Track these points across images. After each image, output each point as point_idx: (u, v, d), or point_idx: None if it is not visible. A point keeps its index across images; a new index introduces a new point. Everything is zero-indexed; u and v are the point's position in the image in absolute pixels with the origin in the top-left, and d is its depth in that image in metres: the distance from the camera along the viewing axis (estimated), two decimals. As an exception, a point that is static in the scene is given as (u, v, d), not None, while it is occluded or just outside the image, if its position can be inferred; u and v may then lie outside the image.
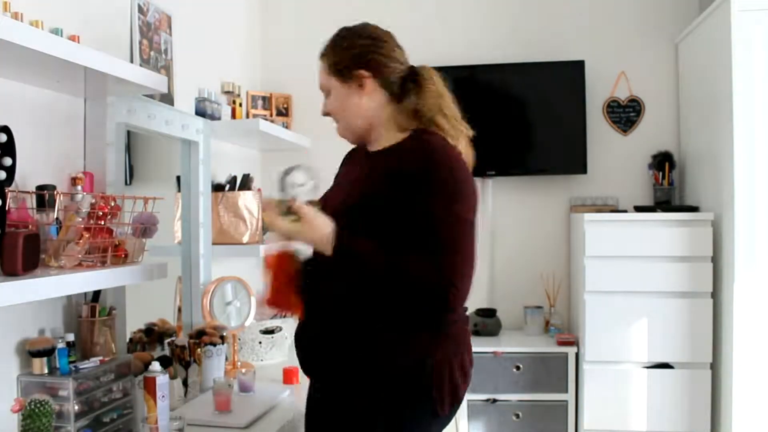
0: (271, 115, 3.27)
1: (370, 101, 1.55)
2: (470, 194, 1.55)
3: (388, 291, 1.41)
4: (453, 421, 3.31)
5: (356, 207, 1.49)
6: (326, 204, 1.52)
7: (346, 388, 1.47)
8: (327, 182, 1.68)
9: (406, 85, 1.57)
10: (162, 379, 1.63)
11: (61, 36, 1.47)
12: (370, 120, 1.56)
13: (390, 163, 1.50)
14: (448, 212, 1.46)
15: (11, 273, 1.23)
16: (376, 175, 1.50)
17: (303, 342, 1.55)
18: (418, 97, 1.56)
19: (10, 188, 1.30)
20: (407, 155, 1.48)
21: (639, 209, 3.10)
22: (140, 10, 2.11)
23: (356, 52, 1.55)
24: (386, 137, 1.58)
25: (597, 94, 3.36)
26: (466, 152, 1.65)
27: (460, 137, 1.64)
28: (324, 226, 1.42)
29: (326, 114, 1.63)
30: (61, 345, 1.54)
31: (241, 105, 2.79)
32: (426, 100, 1.56)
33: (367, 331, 1.44)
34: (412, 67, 1.60)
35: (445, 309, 1.46)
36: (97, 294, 1.73)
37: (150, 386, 1.62)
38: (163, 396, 1.63)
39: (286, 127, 3.21)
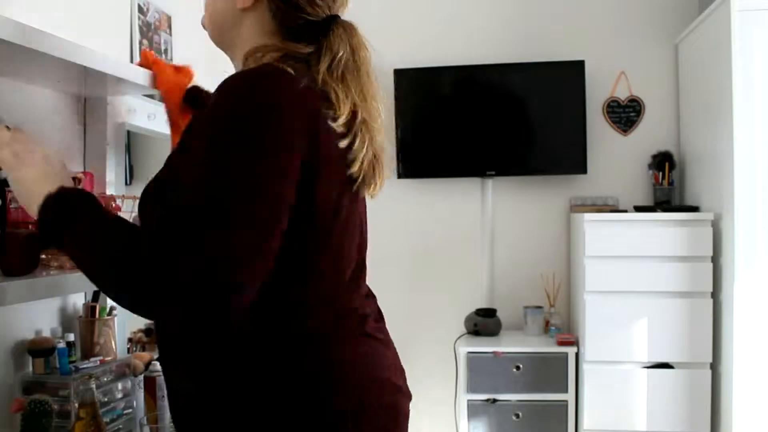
0: (271, 115, 3.27)
1: (248, 18, 1.12)
2: (269, 143, 0.92)
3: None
4: (453, 421, 3.31)
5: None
6: None
7: None
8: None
9: (309, 24, 1.11)
10: (162, 379, 1.63)
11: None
12: (226, 28, 1.15)
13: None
14: (208, 156, 0.92)
15: (11, 273, 1.23)
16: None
17: None
18: (324, 40, 1.10)
19: (10, 188, 1.29)
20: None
21: (639, 209, 3.10)
22: (140, 10, 2.11)
23: None
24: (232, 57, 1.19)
25: (597, 94, 3.36)
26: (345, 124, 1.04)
27: (342, 107, 1.04)
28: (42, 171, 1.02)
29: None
30: (61, 345, 1.54)
31: (241, 105, 2.78)
32: (332, 40, 1.10)
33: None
34: (335, 17, 1.15)
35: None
36: (97, 294, 1.73)
37: (150, 386, 1.62)
38: (163, 396, 1.63)
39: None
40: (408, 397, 1.15)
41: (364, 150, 1.06)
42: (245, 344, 0.98)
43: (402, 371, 1.16)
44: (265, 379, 0.98)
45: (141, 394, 1.68)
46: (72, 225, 0.95)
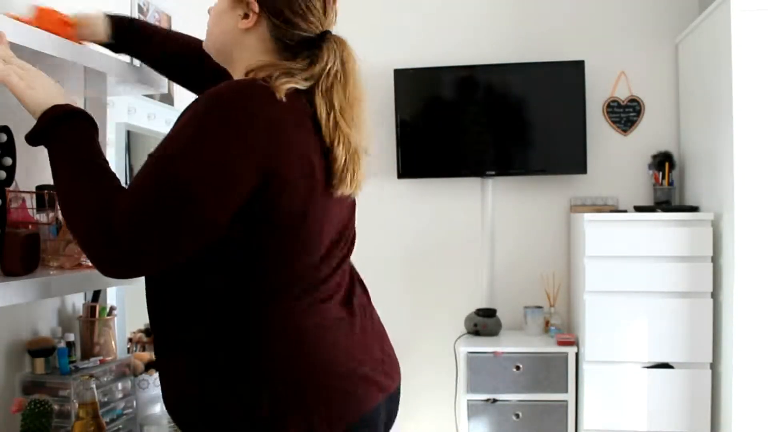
0: (271, 115, 3.27)
1: (248, 39, 1.21)
2: (217, 158, 1.03)
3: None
4: (453, 421, 3.32)
5: None
6: None
7: None
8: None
9: (305, 41, 1.21)
10: None
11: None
12: (228, 46, 1.25)
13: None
14: (159, 161, 1.05)
15: (11, 273, 1.23)
16: None
17: None
18: (317, 50, 1.19)
19: (10, 188, 1.29)
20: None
21: (639, 209, 3.10)
22: (140, 10, 2.11)
23: None
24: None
25: (597, 94, 3.36)
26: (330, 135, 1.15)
27: (323, 115, 1.16)
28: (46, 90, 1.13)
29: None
30: (61, 345, 1.54)
31: (241, 105, 2.78)
32: (326, 51, 1.19)
33: None
34: (327, 32, 1.22)
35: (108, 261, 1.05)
36: (97, 294, 1.73)
37: None
38: None
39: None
40: (379, 388, 1.21)
41: (342, 152, 1.15)
42: (217, 327, 1.12)
43: (378, 361, 1.24)
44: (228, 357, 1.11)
45: (141, 394, 1.68)
46: (67, 141, 1.09)
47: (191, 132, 1.05)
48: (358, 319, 1.24)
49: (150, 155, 1.07)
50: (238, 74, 1.24)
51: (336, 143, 1.15)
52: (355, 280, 1.30)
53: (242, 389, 1.10)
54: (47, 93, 1.13)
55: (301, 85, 1.14)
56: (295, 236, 1.12)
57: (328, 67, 1.18)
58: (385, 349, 1.29)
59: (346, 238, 1.26)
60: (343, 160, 1.15)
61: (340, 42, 1.23)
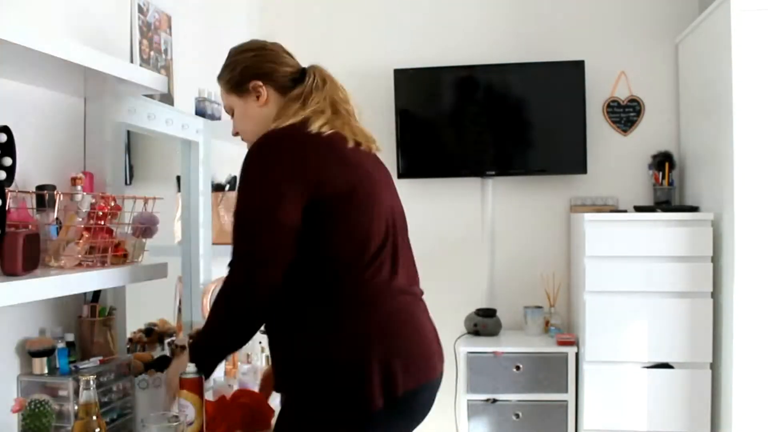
0: (271, 115, 3.27)
1: (269, 109, 1.62)
2: (269, 186, 1.45)
3: (235, 322, 1.50)
4: (453, 421, 3.31)
5: None
6: None
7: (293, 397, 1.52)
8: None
9: (296, 81, 1.63)
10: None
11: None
12: (267, 125, 1.57)
13: None
14: (237, 210, 1.48)
15: (11, 273, 1.23)
16: None
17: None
18: (303, 87, 1.60)
19: (10, 188, 1.29)
20: None
21: (639, 209, 3.10)
22: (140, 10, 2.11)
23: (246, 65, 1.63)
24: None
25: (597, 94, 3.36)
26: (350, 134, 1.59)
27: (340, 120, 1.60)
28: (176, 364, 1.62)
29: (236, 134, 1.70)
30: (61, 345, 1.54)
31: (241, 105, 2.78)
32: (310, 88, 1.60)
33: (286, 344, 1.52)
34: (303, 68, 1.66)
35: (257, 296, 1.46)
36: (97, 294, 1.73)
37: (196, 387, 1.59)
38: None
39: (286, 127, 3.20)
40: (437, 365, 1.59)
41: (350, 133, 1.58)
42: (294, 317, 1.49)
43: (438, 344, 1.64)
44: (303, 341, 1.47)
45: (141, 394, 1.68)
46: (206, 352, 1.55)
47: (250, 179, 1.47)
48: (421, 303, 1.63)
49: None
50: None
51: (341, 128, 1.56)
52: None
53: (340, 346, 1.43)
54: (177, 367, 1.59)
55: (307, 113, 1.55)
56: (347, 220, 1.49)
57: (313, 85, 1.60)
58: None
59: (389, 225, 1.60)
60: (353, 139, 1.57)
61: (317, 69, 1.65)
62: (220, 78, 1.68)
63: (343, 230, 1.47)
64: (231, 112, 1.68)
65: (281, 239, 1.42)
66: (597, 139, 3.35)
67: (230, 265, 1.47)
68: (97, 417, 1.34)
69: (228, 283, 1.47)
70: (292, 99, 1.59)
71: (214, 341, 1.53)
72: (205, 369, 1.54)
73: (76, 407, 1.44)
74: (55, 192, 1.47)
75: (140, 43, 2.10)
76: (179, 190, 2.40)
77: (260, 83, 1.61)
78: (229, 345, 1.56)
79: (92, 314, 1.69)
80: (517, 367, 3.03)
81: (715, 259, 2.85)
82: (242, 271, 1.45)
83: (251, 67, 1.62)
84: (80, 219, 1.48)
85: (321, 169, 1.46)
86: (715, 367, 2.85)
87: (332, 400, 1.43)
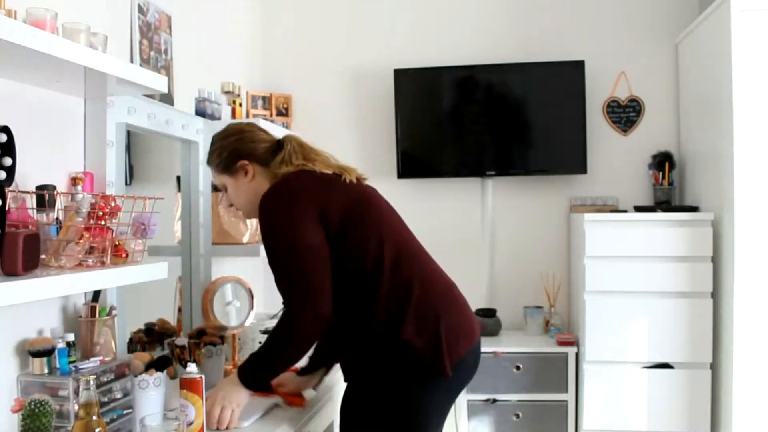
0: (271, 115, 3.27)
1: (258, 181, 1.85)
2: (291, 220, 1.70)
3: (291, 344, 1.72)
4: (453, 421, 3.30)
5: None
6: None
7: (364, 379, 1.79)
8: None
9: (275, 152, 1.87)
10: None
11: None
12: (258, 195, 1.80)
13: None
14: (270, 249, 1.72)
15: (11, 273, 1.23)
16: None
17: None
18: (283, 154, 1.85)
19: (10, 188, 1.29)
20: None
21: (639, 209, 3.10)
22: (140, 10, 2.11)
23: (230, 149, 1.86)
24: None
25: (597, 94, 3.36)
26: (333, 168, 1.85)
27: (318, 164, 1.85)
28: (223, 382, 1.78)
29: (230, 206, 1.96)
30: (61, 345, 1.54)
31: (241, 105, 2.79)
32: (289, 153, 1.86)
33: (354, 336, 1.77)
34: (278, 140, 1.90)
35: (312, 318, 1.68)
36: (97, 294, 1.73)
37: (196, 387, 1.60)
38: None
39: (286, 127, 3.21)
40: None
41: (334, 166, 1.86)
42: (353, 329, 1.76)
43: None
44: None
45: (141, 394, 1.68)
46: (261, 371, 1.76)
47: (271, 225, 1.72)
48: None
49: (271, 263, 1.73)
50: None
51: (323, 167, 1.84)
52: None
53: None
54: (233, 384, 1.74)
55: (296, 166, 1.82)
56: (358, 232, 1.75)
57: (293, 149, 1.86)
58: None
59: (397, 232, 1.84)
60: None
61: (291, 138, 1.90)
62: (209, 163, 1.91)
63: (360, 238, 1.74)
64: (224, 188, 1.91)
65: (321, 265, 1.68)
66: (597, 139, 3.35)
67: (285, 302, 1.70)
68: (97, 417, 1.34)
69: (288, 318, 1.70)
70: (276, 165, 1.83)
71: (271, 365, 1.74)
72: (255, 388, 1.75)
73: (76, 407, 1.44)
74: (55, 192, 1.47)
75: (140, 43, 2.10)
76: (179, 190, 2.40)
77: (246, 162, 1.85)
78: (283, 367, 1.79)
79: (92, 314, 1.69)
80: (517, 367, 3.03)
81: (715, 259, 2.85)
82: (300, 304, 1.68)
83: (235, 150, 1.85)
84: (80, 219, 1.48)
85: (327, 196, 1.74)
86: (715, 367, 2.85)
87: (412, 375, 1.68)
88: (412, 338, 1.66)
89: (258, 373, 1.75)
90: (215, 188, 2.54)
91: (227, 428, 1.69)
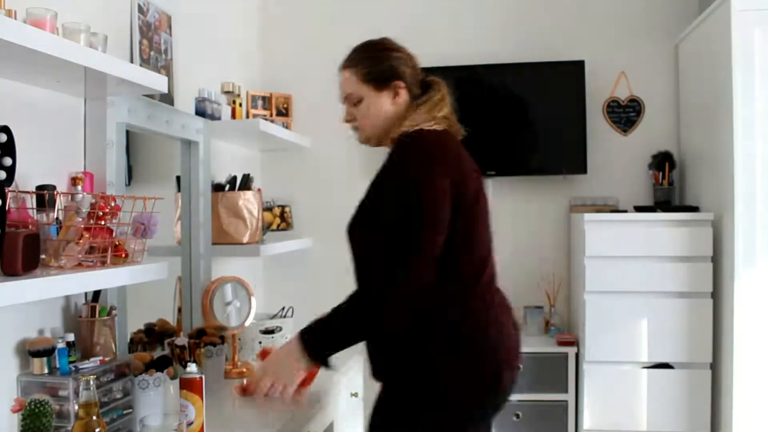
0: (271, 115, 3.27)
1: (399, 109, 1.71)
2: (432, 189, 1.56)
3: (377, 322, 1.57)
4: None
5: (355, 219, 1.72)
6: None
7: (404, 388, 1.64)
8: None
9: (423, 91, 1.75)
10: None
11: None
12: (392, 122, 1.70)
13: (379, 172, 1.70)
14: (393, 205, 1.57)
15: (11, 273, 1.23)
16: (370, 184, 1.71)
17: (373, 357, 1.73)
18: (431, 96, 1.72)
19: (10, 188, 1.29)
20: (384, 165, 1.67)
21: (639, 209, 3.10)
22: (140, 10, 2.11)
23: (392, 64, 1.71)
24: (389, 141, 1.73)
25: (597, 94, 3.36)
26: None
27: (454, 127, 1.78)
28: (280, 351, 1.64)
29: (350, 121, 1.77)
30: (61, 345, 1.54)
31: (241, 105, 2.79)
32: (436, 96, 1.73)
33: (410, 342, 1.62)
34: (427, 80, 1.78)
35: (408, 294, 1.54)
36: (97, 294, 1.73)
37: (196, 387, 1.60)
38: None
39: (286, 127, 3.21)
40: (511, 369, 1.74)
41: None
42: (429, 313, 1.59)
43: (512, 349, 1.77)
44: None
45: (141, 394, 1.68)
46: (336, 341, 1.59)
47: (411, 179, 1.57)
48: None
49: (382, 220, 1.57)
50: (394, 135, 1.67)
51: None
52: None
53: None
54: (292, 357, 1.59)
55: (439, 123, 1.68)
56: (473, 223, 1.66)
57: (440, 95, 1.74)
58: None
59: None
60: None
61: (433, 79, 1.78)
62: (354, 65, 1.73)
63: (474, 231, 1.64)
64: (353, 100, 1.74)
65: (440, 239, 1.54)
66: (597, 139, 3.35)
67: (389, 260, 1.52)
68: (97, 417, 1.34)
69: (388, 279, 1.52)
70: (420, 105, 1.69)
71: (349, 330, 1.57)
72: (323, 358, 1.59)
73: (76, 407, 1.44)
74: (55, 192, 1.48)
75: (140, 43, 2.10)
76: (179, 190, 2.40)
77: (402, 84, 1.71)
78: (362, 335, 1.62)
79: (92, 314, 1.69)
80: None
81: (715, 259, 2.85)
82: (406, 267, 1.52)
83: (396, 67, 1.71)
84: (80, 219, 1.48)
85: (464, 173, 1.65)
86: (715, 367, 2.85)
87: (468, 395, 1.63)
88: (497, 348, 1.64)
89: (332, 345, 1.58)
90: (216, 188, 2.55)
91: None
